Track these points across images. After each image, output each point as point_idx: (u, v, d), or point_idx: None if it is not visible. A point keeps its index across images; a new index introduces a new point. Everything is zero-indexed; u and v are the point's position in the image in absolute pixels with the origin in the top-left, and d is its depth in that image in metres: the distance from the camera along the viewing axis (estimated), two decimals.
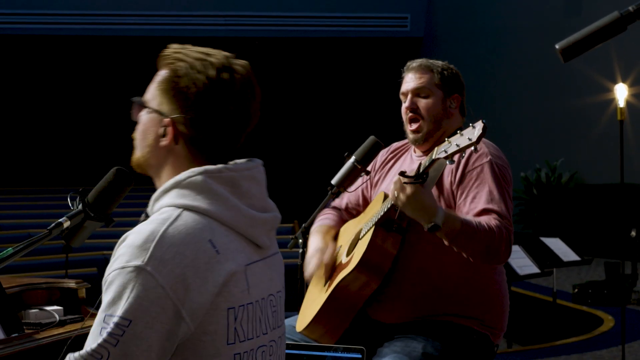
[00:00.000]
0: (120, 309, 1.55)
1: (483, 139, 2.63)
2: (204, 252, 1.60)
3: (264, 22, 17.68)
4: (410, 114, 2.95)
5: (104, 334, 1.55)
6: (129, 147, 1.80)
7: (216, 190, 1.65)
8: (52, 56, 17.42)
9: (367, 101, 17.51)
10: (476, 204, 2.77)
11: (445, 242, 2.68)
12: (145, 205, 1.75)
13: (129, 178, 2.06)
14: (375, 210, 2.87)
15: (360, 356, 2.52)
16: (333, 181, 2.97)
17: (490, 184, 2.79)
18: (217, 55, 1.72)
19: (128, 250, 1.59)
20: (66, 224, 2.03)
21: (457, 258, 2.75)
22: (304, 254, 2.99)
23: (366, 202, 3.15)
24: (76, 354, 1.57)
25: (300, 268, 2.96)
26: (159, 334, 1.56)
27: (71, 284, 3.06)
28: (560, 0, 15.19)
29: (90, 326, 1.60)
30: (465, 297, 2.84)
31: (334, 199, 3.17)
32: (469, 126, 2.49)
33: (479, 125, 2.46)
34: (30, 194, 15.21)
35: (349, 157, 2.98)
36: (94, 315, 1.65)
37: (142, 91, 1.80)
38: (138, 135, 1.77)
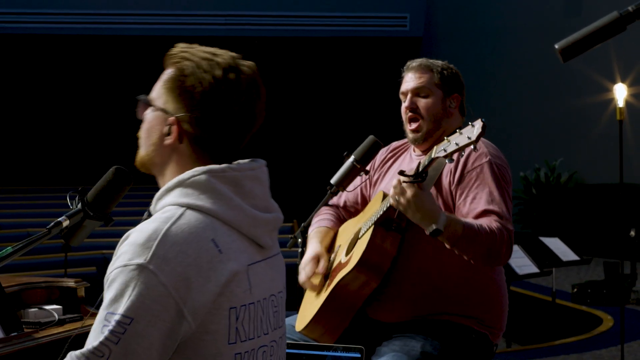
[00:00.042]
0: (122, 307, 1.55)
1: (482, 139, 2.63)
2: (207, 251, 1.60)
3: (263, 21, 17.69)
4: (410, 114, 2.95)
5: (106, 332, 1.55)
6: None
7: (219, 189, 1.65)
8: (52, 56, 17.41)
9: (366, 101, 17.52)
10: (476, 204, 2.77)
11: (447, 245, 2.68)
12: (145, 204, 1.75)
13: (128, 177, 2.06)
14: (375, 209, 2.87)
15: (359, 355, 2.52)
16: (332, 180, 2.97)
17: (490, 185, 2.79)
18: (224, 55, 1.72)
19: (130, 248, 1.59)
20: (65, 223, 2.03)
21: (456, 258, 2.75)
22: (303, 253, 2.99)
23: (365, 200, 3.15)
24: (77, 352, 1.57)
25: (299, 268, 2.96)
26: (161, 332, 1.56)
27: (70, 283, 3.06)
28: (560, 0, 15.20)
29: (91, 325, 1.60)
30: (464, 297, 2.84)
31: (333, 199, 3.17)
32: (468, 125, 2.49)
33: (478, 124, 2.46)
34: (30, 193, 15.22)
35: (348, 156, 2.98)
36: (94, 315, 1.65)
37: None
38: (143, 133, 1.77)
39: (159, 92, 1.74)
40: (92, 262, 9.74)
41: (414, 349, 2.76)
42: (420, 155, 2.98)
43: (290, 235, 3.05)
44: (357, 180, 3.09)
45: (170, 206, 1.65)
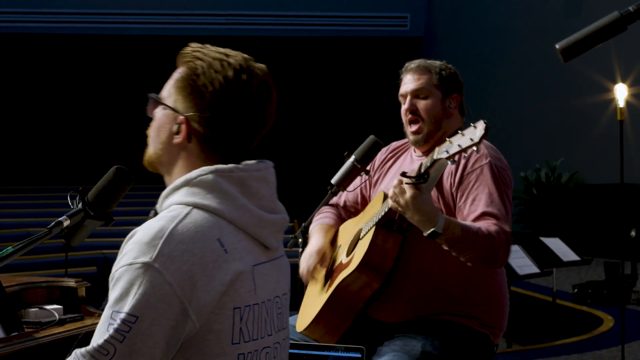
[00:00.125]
0: (127, 306, 1.55)
1: (483, 140, 2.63)
2: (212, 251, 1.60)
3: (264, 21, 17.68)
4: (410, 116, 2.95)
5: (111, 330, 1.55)
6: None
7: (226, 189, 1.65)
8: (52, 55, 17.41)
9: (366, 101, 17.52)
10: (476, 206, 2.77)
11: (445, 247, 2.68)
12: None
13: (129, 177, 2.06)
14: (375, 210, 2.87)
15: (360, 355, 2.52)
16: (333, 180, 2.97)
17: (489, 186, 2.79)
18: (237, 56, 1.72)
19: (136, 246, 1.59)
20: (66, 223, 2.03)
21: (457, 258, 2.75)
22: (302, 253, 2.98)
23: (365, 201, 3.15)
24: (82, 349, 1.57)
25: (299, 268, 2.96)
26: (165, 330, 1.56)
27: (71, 282, 3.06)
28: (560, 0, 15.19)
29: (95, 324, 1.61)
30: (465, 297, 2.84)
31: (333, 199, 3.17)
32: (470, 126, 2.49)
33: (481, 125, 2.46)
34: (30, 192, 15.21)
35: (348, 156, 2.97)
36: (99, 316, 1.65)
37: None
38: (152, 131, 1.77)
39: (169, 91, 1.74)
40: (93, 262, 9.74)
41: (414, 348, 2.76)
42: (421, 156, 2.98)
43: (290, 236, 3.05)
44: (358, 180, 3.09)
45: (177, 205, 1.65)
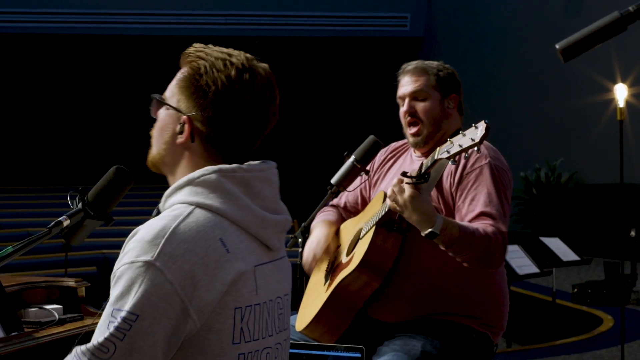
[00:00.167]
0: (128, 304, 1.55)
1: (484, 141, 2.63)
2: (214, 250, 1.60)
3: (264, 21, 17.69)
4: (409, 118, 2.95)
5: (111, 328, 1.55)
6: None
7: (229, 189, 1.66)
8: (52, 55, 17.42)
9: (366, 101, 17.52)
10: (474, 206, 2.77)
11: (441, 247, 2.68)
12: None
13: (128, 177, 2.06)
14: (375, 209, 2.87)
15: (360, 355, 2.52)
16: (333, 180, 2.97)
17: (488, 186, 2.79)
18: (239, 56, 1.73)
19: (138, 245, 1.59)
20: (66, 223, 2.03)
21: None
22: (302, 253, 2.99)
23: (365, 202, 3.15)
24: (83, 347, 1.57)
25: (299, 267, 2.96)
26: (166, 329, 1.56)
27: (71, 282, 3.06)
28: (560, 0, 15.19)
29: (95, 324, 1.61)
30: (465, 297, 2.84)
31: (333, 199, 3.17)
32: (471, 126, 2.49)
33: (482, 125, 2.46)
34: (30, 192, 15.21)
35: (348, 156, 2.97)
36: (98, 316, 1.65)
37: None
38: (155, 132, 1.77)
39: (172, 91, 1.74)
40: (93, 262, 9.73)
41: (414, 348, 2.76)
42: (420, 157, 2.98)
43: (290, 235, 3.05)
44: (358, 181, 3.09)
45: (179, 204, 1.65)
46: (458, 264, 2.78)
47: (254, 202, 1.69)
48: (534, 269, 7.37)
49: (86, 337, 1.67)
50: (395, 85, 3.01)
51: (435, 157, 2.56)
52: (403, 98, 2.97)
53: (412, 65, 2.99)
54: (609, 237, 11.96)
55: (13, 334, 2.54)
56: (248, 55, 1.75)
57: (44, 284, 3.01)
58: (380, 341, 2.85)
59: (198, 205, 1.64)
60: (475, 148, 2.46)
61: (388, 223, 2.80)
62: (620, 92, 7.89)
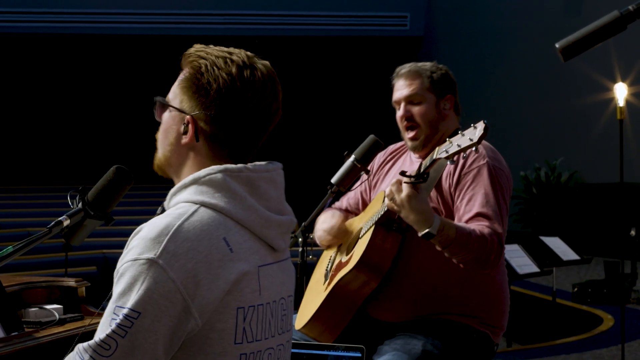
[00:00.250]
0: (130, 301, 1.55)
1: (482, 141, 2.63)
2: (218, 250, 1.60)
3: (263, 20, 17.70)
4: (406, 122, 2.95)
5: (113, 325, 1.55)
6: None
7: (234, 189, 1.66)
8: (52, 55, 17.42)
9: (366, 100, 17.52)
10: (471, 206, 2.77)
11: (437, 248, 2.68)
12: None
13: (128, 177, 2.06)
14: (376, 209, 2.87)
15: (360, 355, 2.52)
16: (333, 180, 2.97)
17: (486, 187, 2.79)
18: (239, 53, 1.73)
19: (141, 242, 1.59)
20: (66, 223, 2.03)
21: None
22: (303, 253, 2.99)
23: (365, 204, 3.15)
24: (85, 344, 1.58)
25: (299, 267, 2.96)
26: (167, 327, 1.56)
27: (71, 282, 3.06)
28: (560, 0, 15.19)
29: (95, 323, 1.61)
30: (465, 297, 2.85)
31: (333, 198, 3.17)
32: (470, 126, 2.49)
33: (481, 125, 2.46)
34: (30, 192, 15.23)
35: (348, 156, 2.97)
36: (99, 315, 1.65)
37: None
38: (160, 134, 1.77)
39: (175, 92, 1.75)
40: (93, 262, 9.74)
41: (415, 347, 2.76)
42: (419, 159, 2.98)
43: (290, 235, 3.05)
44: (358, 184, 3.10)
45: (184, 203, 1.66)
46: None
47: (259, 203, 1.69)
48: (534, 268, 7.37)
49: (89, 335, 1.67)
50: (390, 89, 3.01)
51: (434, 157, 2.56)
52: (398, 102, 2.97)
53: (405, 68, 2.98)
54: (609, 236, 11.96)
55: (13, 333, 2.54)
56: (249, 53, 1.75)
57: (44, 284, 3.01)
58: (380, 341, 2.85)
59: (203, 204, 1.64)
60: (474, 148, 2.46)
61: (387, 223, 2.80)
62: (620, 92, 7.89)
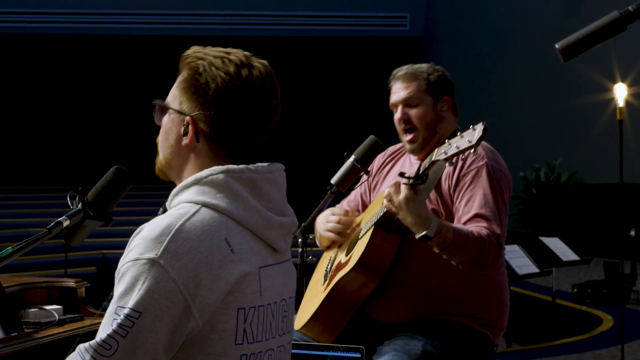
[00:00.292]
0: (131, 301, 1.56)
1: (482, 142, 2.63)
2: (219, 250, 1.60)
3: (263, 21, 17.69)
4: (404, 125, 2.94)
5: (114, 325, 1.56)
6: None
7: (236, 190, 1.66)
8: (52, 55, 17.42)
9: (366, 101, 17.52)
10: (470, 207, 2.77)
11: (435, 250, 2.68)
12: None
13: (128, 177, 2.06)
14: (375, 210, 2.87)
15: (359, 355, 2.52)
16: (332, 180, 2.97)
17: (484, 188, 2.79)
18: (237, 53, 1.74)
19: (142, 242, 1.59)
20: (66, 223, 2.03)
21: None
22: (303, 253, 2.99)
23: (365, 206, 3.15)
24: (86, 344, 1.58)
25: (299, 268, 2.96)
26: (168, 327, 1.56)
27: (70, 283, 3.06)
28: (560, 0, 15.19)
29: (95, 324, 1.61)
30: (465, 297, 2.85)
31: (333, 199, 3.17)
32: (469, 128, 2.49)
33: (479, 127, 2.46)
34: (30, 193, 15.23)
35: (348, 156, 2.97)
36: (101, 315, 1.65)
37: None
38: (161, 137, 1.78)
39: (174, 95, 1.75)
40: (92, 262, 9.74)
41: (415, 348, 2.76)
42: (419, 160, 2.98)
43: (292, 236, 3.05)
44: (358, 182, 3.10)
45: (186, 203, 1.66)
46: None
47: (261, 204, 1.69)
48: (533, 268, 7.37)
49: (89, 335, 1.67)
50: (387, 92, 3.01)
51: (433, 159, 2.57)
52: (396, 105, 2.96)
53: (402, 71, 2.98)
54: (608, 236, 11.96)
55: (13, 334, 2.54)
56: (246, 52, 1.76)
57: (44, 284, 3.01)
58: (380, 341, 2.85)
59: (204, 205, 1.64)
60: (472, 150, 2.46)
61: (387, 224, 2.80)
62: (620, 92, 7.89)
